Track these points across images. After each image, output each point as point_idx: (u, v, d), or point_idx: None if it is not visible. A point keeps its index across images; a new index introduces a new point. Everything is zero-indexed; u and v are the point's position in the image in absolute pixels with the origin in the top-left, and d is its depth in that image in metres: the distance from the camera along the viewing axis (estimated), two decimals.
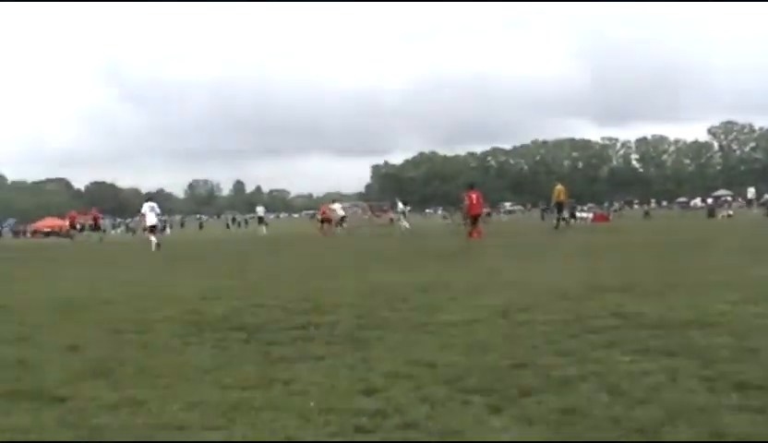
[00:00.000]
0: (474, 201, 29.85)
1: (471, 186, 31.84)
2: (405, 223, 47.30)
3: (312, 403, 5.04)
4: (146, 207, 32.26)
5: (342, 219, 48.65)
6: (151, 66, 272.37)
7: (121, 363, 6.58)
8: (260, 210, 59.80)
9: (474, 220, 29.46)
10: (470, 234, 28.49)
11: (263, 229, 53.39)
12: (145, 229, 32.85)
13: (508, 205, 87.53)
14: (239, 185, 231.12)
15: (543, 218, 65.67)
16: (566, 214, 39.27)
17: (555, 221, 37.50)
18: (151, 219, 32.01)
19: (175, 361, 6.64)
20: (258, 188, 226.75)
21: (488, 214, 41.12)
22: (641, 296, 9.63)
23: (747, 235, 24.99)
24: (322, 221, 47.37)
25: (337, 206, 50.42)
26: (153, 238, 30.52)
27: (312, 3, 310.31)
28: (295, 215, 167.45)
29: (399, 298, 10.33)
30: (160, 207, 33.78)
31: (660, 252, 17.96)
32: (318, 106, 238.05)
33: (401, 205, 51.85)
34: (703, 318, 7.72)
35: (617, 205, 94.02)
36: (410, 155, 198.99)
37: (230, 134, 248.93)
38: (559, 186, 38.81)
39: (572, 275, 12.75)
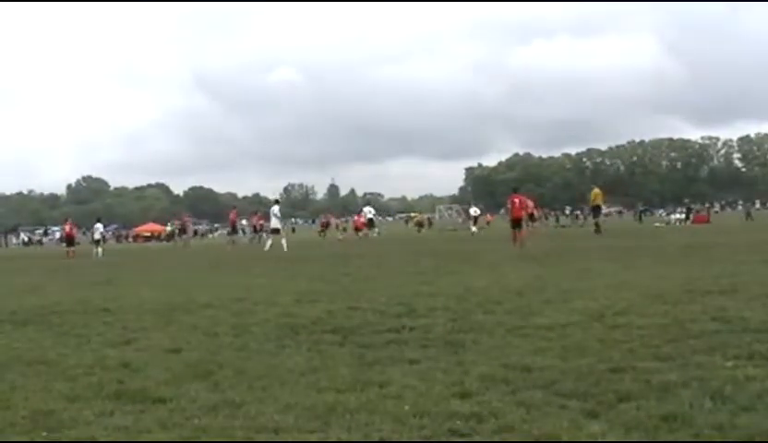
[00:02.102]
0: (517, 205, 29.45)
1: (514, 191, 31.53)
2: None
3: (407, 407, 5.05)
4: (274, 209, 34.22)
5: (370, 222, 50.05)
6: (243, 72, 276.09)
7: (219, 365, 6.71)
8: (368, 211, 52.49)
9: (516, 223, 28.87)
10: (513, 240, 27.62)
11: (375, 232, 51.57)
12: (265, 230, 34.86)
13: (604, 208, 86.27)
14: (333, 189, 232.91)
15: (640, 220, 64.49)
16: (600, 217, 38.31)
17: (594, 226, 36.73)
18: (275, 222, 33.87)
19: (271, 363, 6.74)
20: (353, 191, 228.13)
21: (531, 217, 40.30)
22: (743, 300, 9.34)
23: None
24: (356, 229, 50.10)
25: (366, 209, 51.65)
26: (270, 240, 32.67)
27: (405, 3, 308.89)
28: (389, 218, 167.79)
29: (493, 301, 10.27)
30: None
31: (764, 255, 17.39)
32: (413, 110, 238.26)
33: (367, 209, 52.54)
34: None
35: (717, 206, 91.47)
36: (504, 157, 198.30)
37: (324, 138, 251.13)
38: (596, 190, 38.44)
39: (669, 277, 12.48)
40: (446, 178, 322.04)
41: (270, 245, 32.46)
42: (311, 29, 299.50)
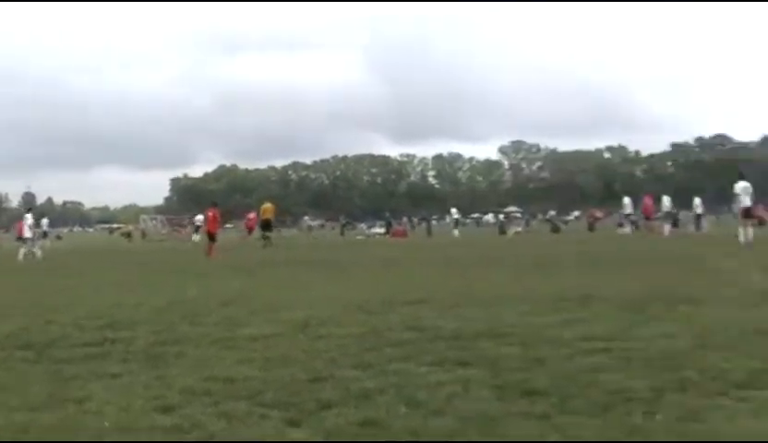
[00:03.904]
0: (211, 218, 29.99)
1: (214, 204, 31.79)
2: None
3: (107, 423, 4.89)
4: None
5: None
6: None
7: None
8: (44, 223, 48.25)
9: (212, 237, 29.28)
10: (208, 252, 27.87)
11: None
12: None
13: (306, 218, 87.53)
14: (29, 196, 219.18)
15: (342, 233, 66.47)
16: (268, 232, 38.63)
17: (262, 240, 36.76)
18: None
19: None
20: (50, 200, 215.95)
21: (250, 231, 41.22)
22: (436, 310, 9.92)
23: (534, 251, 26.26)
24: None
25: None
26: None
27: (116, 5, 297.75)
28: (90, 229, 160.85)
29: (199, 313, 10.18)
30: None
31: (456, 267, 18.58)
32: (116, 118, 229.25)
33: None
34: (495, 330, 8.05)
35: (415, 220, 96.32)
36: (210, 168, 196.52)
37: (19, 144, 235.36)
38: (267, 205, 39.13)
39: (370, 289, 12.99)
40: (151, 188, 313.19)
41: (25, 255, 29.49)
42: (6, 31, 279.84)
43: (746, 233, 24.36)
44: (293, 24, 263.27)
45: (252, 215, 47.99)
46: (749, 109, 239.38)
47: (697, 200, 42.69)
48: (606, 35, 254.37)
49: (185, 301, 11.79)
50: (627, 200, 44.02)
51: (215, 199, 40.38)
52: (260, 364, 6.67)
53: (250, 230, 46.22)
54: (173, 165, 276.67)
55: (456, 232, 51.46)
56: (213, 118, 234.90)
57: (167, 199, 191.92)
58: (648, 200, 38.71)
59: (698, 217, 41.78)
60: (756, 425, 4.44)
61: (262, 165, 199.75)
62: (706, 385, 5.41)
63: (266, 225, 38.51)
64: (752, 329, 7.63)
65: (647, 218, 39.01)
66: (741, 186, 25.65)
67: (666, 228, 37.88)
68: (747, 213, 25.28)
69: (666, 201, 41.34)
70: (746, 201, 25.25)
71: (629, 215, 43.47)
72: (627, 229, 41.99)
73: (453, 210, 59.19)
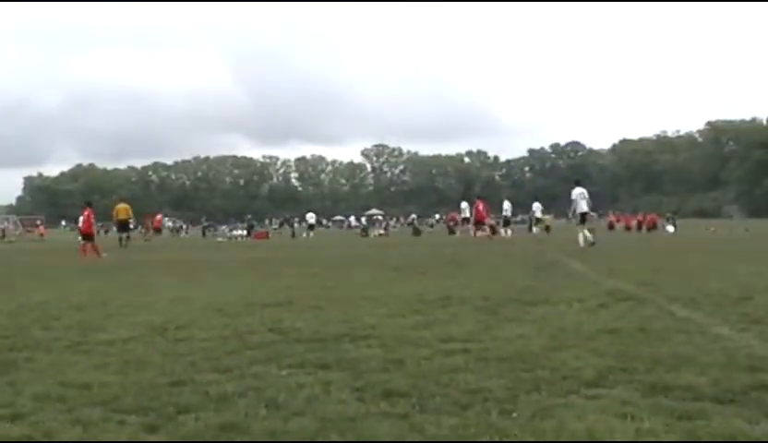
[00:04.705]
0: (86, 217, 29.27)
1: (88, 204, 30.91)
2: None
3: None
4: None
5: None
6: None
7: None
8: None
9: (87, 238, 28.72)
10: (84, 252, 27.40)
11: None
12: None
13: (167, 220, 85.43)
14: None
15: (204, 234, 65.62)
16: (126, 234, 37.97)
17: (119, 241, 36.01)
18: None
19: None
20: None
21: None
22: (297, 312, 9.93)
23: (395, 253, 26.59)
24: None
25: None
26: None
27: None
28: None
29: (51, 317, 9.85)
30: None
31: (318, 269, 18.61)
32: None
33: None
34: (356, 332, 8.12)
35: (276, 222, 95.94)
36: (67, 168, 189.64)
37: None
38: (121, 205, 38.58)
39: (231, 291, 12.88)
40: (1, 187, 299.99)
41: None
42: None
43: (584, 236, 25.74)
44: (149, 22, 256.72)
45: (159, 216, 47.66)
46: (601, 118, 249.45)
47: (536, 205, 45.46)
48: (467, 42, 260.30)
49: (37, 304, 11.37)
50: (464, 205, 45.87)
51: (72, 200, 39.41)
52: (117, 368, 6.50)
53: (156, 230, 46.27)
54: (25, 164, 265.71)
55: (311, 234, 52.15)
56: (68, 116, 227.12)
57: (20, 199, 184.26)
58: (480, 205, 39.27)
59: (534, 220, 44.49)
60: (602, 422, 4.63)
61: (122, 165, 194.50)
62: (558, 384, 5.60)
63: (122, 226, 37.62)
64: (601, 328, 7.98)
65: (478, 222, 39.37)
66: (577, 192, 27.19)
67: (507, 231, 40.08)
68: (583, 218, 26.68)
69: (506, 205, 43.90)
70: (582, 206, 26.73)
71: (466, 219, 44.55)
72: (458, 233, 44.41)
73: (309, 215, 59.87)
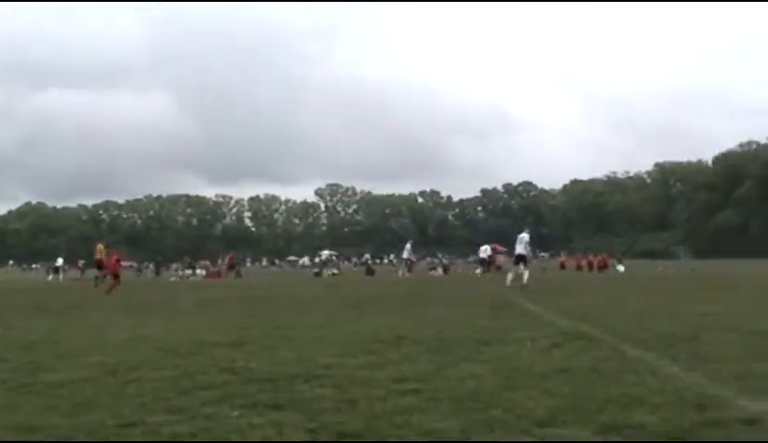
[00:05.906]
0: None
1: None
2: None
3: None
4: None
5: None
6: None
7: None
8: None
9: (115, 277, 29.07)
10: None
11: None
12: None
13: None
14: None
15: (157, 273, 64.94)
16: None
17: (95, 280, 36.65)
18: None
19: None
20: None
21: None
22: (250, 351, 9.85)
23: (349, 293, 26.54)
24: None
25: None
26: None
27: None
28: None
29: None
30: None
31: (271, 308, 18.49)
32: None
33: None
34: (309, 372, 8.07)
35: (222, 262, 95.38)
36: (15, 206, 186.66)
37: None
38: (99, 246, 40.27)
39: (182, 331, 12.74)
40: None
41: None
42: None
43: (515, 276, 29.05)
44: (100, 62, 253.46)
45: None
46: (552, 158, 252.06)
47: (407, 245, 47.91)
48: (416, 81, 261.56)
49: None
50: (408, 245, 49.09)
51: (19, 239, 39.39)
52: (66, 410, 6.38)
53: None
54: None
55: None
56: (16, 154, 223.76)
57: None
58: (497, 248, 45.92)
59: (407, 261, 47.76)
60: None
61: (72, 204, 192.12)
62: (512, 424, 5.62)
63: (99, 266, 38.35)
64: (554, 368, 8.03)
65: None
66: (520, 237, 30.61)
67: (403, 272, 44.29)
68: (517, 260, 29.94)
69: (408, 246, 48.43)
70: (519, 249, 30.05)
71: (407, 260, 48.01)
72: (400, 272, 46.56)
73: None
